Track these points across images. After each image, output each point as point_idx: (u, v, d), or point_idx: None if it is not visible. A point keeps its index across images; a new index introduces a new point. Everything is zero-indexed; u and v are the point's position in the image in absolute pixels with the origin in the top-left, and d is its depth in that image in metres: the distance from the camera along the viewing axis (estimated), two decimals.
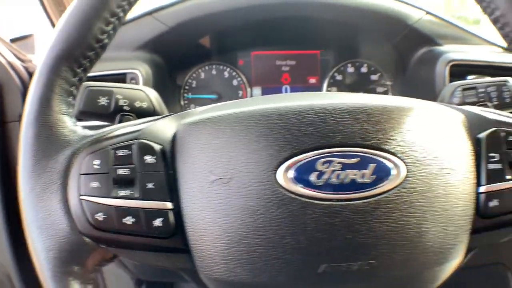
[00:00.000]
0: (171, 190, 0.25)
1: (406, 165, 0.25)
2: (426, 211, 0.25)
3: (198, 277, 0.27)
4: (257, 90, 0.79)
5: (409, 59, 0.75)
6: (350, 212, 0.24)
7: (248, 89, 0.78)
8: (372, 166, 0.24)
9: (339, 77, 0.79)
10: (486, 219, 0.29)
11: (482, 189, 0.29)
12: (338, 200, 0.23)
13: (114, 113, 0.37)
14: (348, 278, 0.25)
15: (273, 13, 0.73)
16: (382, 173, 0.24)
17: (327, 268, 0.24)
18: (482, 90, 0.54)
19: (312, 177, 0.23)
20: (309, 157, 0.24)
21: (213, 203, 0.24)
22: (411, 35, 0.72)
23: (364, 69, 0.79)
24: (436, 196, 0.26)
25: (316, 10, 0.72)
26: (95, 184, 0.25)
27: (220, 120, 0.25)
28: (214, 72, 0.78)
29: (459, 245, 0.28)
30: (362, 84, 0.79)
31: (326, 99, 0.26)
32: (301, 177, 0.23)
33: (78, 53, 0.27)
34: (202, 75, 0.78)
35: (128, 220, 0.24)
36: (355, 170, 0.24)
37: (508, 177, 0.30)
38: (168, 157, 0.26)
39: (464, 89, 0.54)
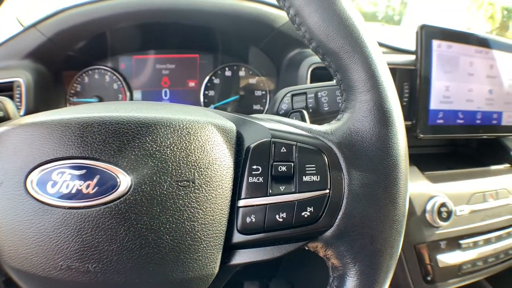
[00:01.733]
0: None
1: (131, 178, 0.26)
2: (152, 224, 0.26)
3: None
4: (137, 94, 0.80)
5: (280, 62, 0.75)
6: (77, 219, 0.25)
7: (128, 93, 0.79)
8: (97, 177, 0.25)
9: (216, 81, 0.79)
10: (245, 235, 0.28)
11: (240, 203, 0.28)
12: (67, 208, 0.25)
13: None
14: (81, 278, 0.26)
15: (151, 19, 0.74)
16: (105, 185, 0.25)
17: (63, 266, 0.26)
18: (312, 95, 0.53)
19: (48, 186, 0.26)
20: (49, 168, 0.26)
21: None
22: (278, 38, 0.72)
23: (242, 73, 0.79)
24: (167, 209, 0.26)
25: (189, 17, 0.73)
26: None
27: (4, 132, 0.28)
28: (96, 76, 0.80)
29: (205, 259, 0.27)
30: (240, 88, 0.79)
31: (88, 112, 0.27)
32: (42, 185, 0.26)
33: None
34: (86, 79, 0.80)
35: None
36: (81, 181, 0.25)
37: (270, 191, 0.28)
38: None
39: (294, 95, 0.53)
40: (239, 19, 0.71)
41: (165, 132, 0.27)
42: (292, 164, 0.29)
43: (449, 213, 0.68)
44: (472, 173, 0.77)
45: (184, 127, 0.28)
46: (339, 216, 0.29)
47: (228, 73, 0.79)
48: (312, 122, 0.54)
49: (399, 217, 0.30)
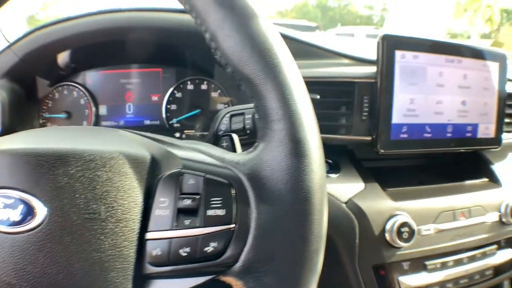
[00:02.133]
0: None
1: (47, 209, 0.27)
2: (65, 252, 0.27)
3: None
4: (103, 109, 0.81)
5: None
6: (9, 243, 0.27)
7: (93, 108, 0.81)
8: (20, 207, 0.27)
9: (178, 95, 0.79)
10: (154, 266, 0.29)
11: (148, 235, 0.29)
12: (2, 232, 0.27)
13: None
14: None
15: (112, 37, 0.75)
16: (26, 214, 0.27)
17: (6, 281, 0.28)
18: (249, 116, 0.52)
19: None
20: None
21: None
22: None
23: (204, 86, 0.79)
24: (76, 239, 0.27)
25: (146, 34, 0.73)
26: None
27: None
28: (66, 92, 0.82)
29: None
30: (202, 101, 0.79)
31: (20, 143, 0.30)
32: None
33: None
34: (57, 95, 0.82)
35: None
36: (10, 209, 0.27)
37: (175, 224, 0.29)
38: None
39: (233, 115, 0.52)
40: (195, 35, 0.71)
41: (75, 164, 0.28)
42: (198, 197, 0.29)
43: (411, 233, 0.65)
44: (442, 188, 0.73)
45: (94, 158, 0.28)
46: (244, 252, 0.29)
47: (190, 87, 0.79)
48: (248, 144, 0.53)
49: (310, 255, 0.29)
